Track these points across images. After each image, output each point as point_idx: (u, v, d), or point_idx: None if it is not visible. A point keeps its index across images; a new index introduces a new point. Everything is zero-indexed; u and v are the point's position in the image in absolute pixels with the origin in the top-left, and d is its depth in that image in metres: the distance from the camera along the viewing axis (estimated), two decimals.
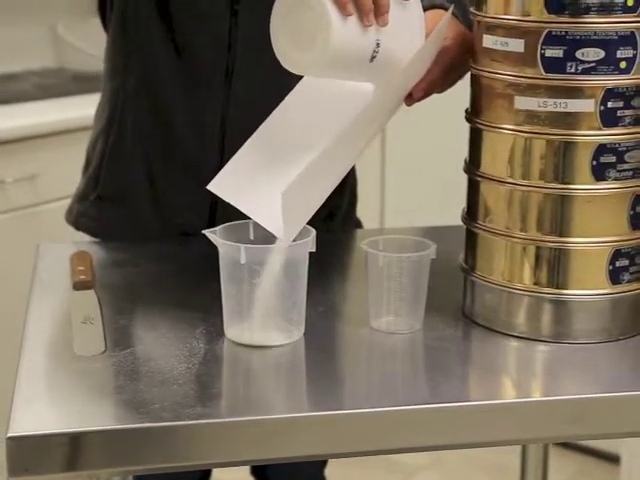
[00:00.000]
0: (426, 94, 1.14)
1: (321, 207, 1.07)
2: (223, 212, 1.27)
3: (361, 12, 1.01)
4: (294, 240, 1.04)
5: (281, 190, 0.99)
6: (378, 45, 1.04)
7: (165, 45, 1.29)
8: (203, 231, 1.04)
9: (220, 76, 1.29)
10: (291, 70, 1.04)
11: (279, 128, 1.11)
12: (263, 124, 1.11)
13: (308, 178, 1.01)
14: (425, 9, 1.14)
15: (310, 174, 1.01)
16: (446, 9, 1.14)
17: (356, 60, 1.05)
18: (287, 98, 1.12)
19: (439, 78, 1.13)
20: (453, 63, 1.13)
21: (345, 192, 1.42)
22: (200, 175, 1.32)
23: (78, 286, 1.18)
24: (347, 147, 1.07)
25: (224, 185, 1.09)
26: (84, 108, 1.89)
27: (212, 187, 1.09)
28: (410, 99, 1.13)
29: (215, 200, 1.32)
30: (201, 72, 1.29)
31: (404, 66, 1.07)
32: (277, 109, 1.12)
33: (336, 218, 1.41)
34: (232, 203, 1.07)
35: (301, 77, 1.13)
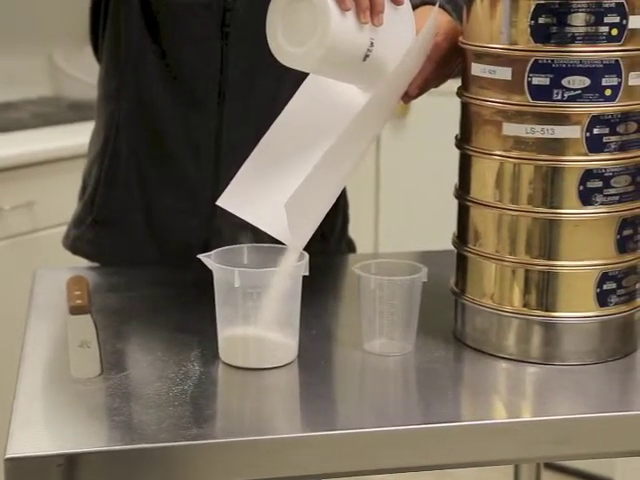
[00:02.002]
0: (422, 91, 1.15)
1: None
2: (219, 235, 1.29)
3: (358, 9, 1.03)
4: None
5: (284, 200, 1.00)
6: (372, 44, 1.06)
7: (157, 68, 1.30)
8: (198, 255, 1.06)
9: (213, 98, 1.30)
10: (285, 63, 1.05)
11: (281, 138, 1.12)
12: (265, 136, 1.13)
13: (311, 185, 1.03)
14: (415, 7, 1.15)
15: (313, 181, 1.03)
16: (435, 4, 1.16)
17: (350, 57, 1.06)
18: (286, 108, 1.13)
19: (433, 74, 1.14)
20: (445, 58, 1.14)
21: (338, 213, 1.44)
22: (196, 197, 1.33)
23: (74, 310, 1.19)
24: (348, 151, 1.08)
25: (232, 199, 1.10)
26: (81, 136, 1.91)
27: (221, 202, 1.11)
28: (406, 97, 1.14)
29: (211, 222, 1.34)
30: (194, 94, 1.31)
31: (397, 65, 1.08)
32: (277, 120, 1.13)
33: (330, 238, 1.43)
34: (241, 216, 1.09)
35: (294, 93, 1.14)
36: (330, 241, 1.43)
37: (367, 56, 1.06)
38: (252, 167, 1.12)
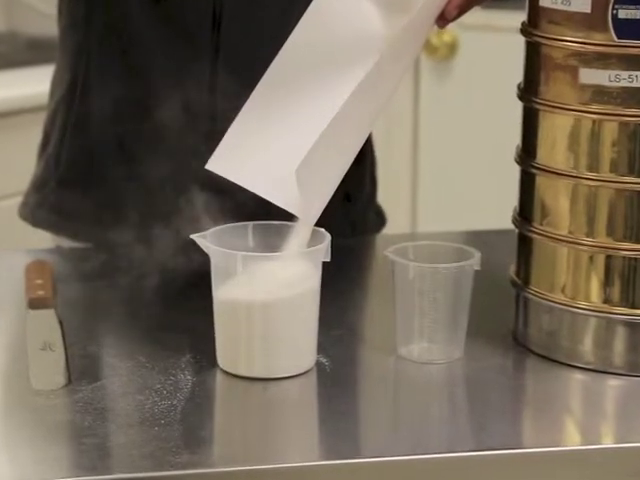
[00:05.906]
0: (462, 11, 1.12)
1: (337, 188, 1.09)
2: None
3: None
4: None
5: (290, 159, 1.01)
6: None
7: None
8: (191, 236, 1.06)
9: (206, 26, 1.31)
10: None
11: (277, 87, 1.12)
12: (259, 84, 1.13)
13: (327, 143, 1.03)
14: None
15: (329, 138, 1.03)
16: None
17: None
18: (282, 51, 1.13)
19: None
20: None
21: (365, 171, 1.45)
22: (185, 148, 1.33)
23: (35, 304, 1.19)
24: (370, 98, 1.08)
25: (224, 161, 1.11)
26: (42, 82, 1.91)
27: (211, 166, 1.11)
28: (442, 20, 1.11)
29: (205, 184, 1.33)
30: (183, 21, 1.32)
31: None
32: (273, 64, 1.13)
33: (356, 201, 1.44)
34: (236, 181, 1.09)
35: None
36: (356, 205, 1.44)
37: None
38: (246, 122, 1.12)
